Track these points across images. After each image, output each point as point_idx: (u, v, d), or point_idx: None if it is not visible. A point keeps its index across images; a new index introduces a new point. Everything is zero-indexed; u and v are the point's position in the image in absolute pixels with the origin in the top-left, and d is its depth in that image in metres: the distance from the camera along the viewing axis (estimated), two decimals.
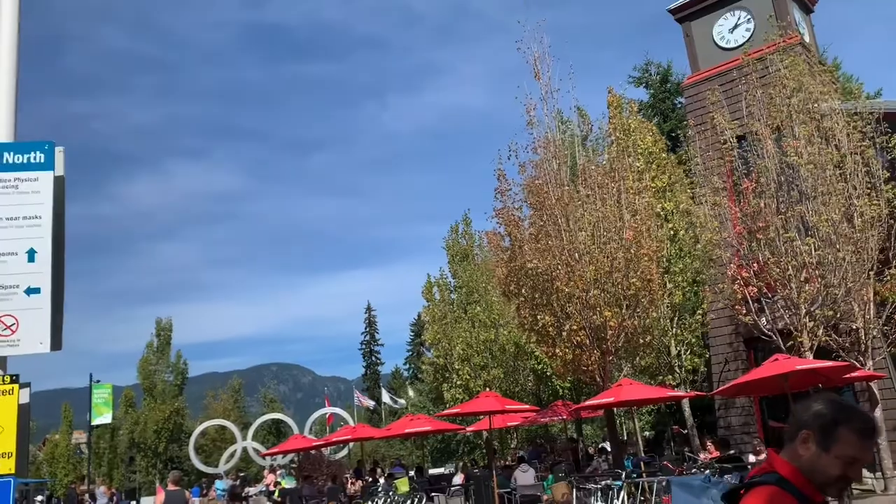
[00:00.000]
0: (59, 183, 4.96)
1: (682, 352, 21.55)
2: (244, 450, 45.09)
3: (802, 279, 14.67)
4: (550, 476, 17.41)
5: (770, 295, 15.51)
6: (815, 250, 14.61)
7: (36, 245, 4.67)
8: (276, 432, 58.29)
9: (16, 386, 4.44)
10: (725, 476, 11.34)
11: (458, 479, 22.05)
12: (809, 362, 13.20)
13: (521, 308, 18.11)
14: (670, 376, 21.45)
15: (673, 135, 34.09)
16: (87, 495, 35.30)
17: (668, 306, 20.51)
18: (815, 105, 15.73)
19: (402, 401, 53.09)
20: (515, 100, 18.00)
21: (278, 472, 31.04)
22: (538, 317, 17.11)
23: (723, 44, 22.48)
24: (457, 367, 30.37)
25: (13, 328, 4.47)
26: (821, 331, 14.91)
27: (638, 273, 16.41)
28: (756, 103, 15.96)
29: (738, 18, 22.33)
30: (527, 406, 20.94)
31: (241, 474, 38.46)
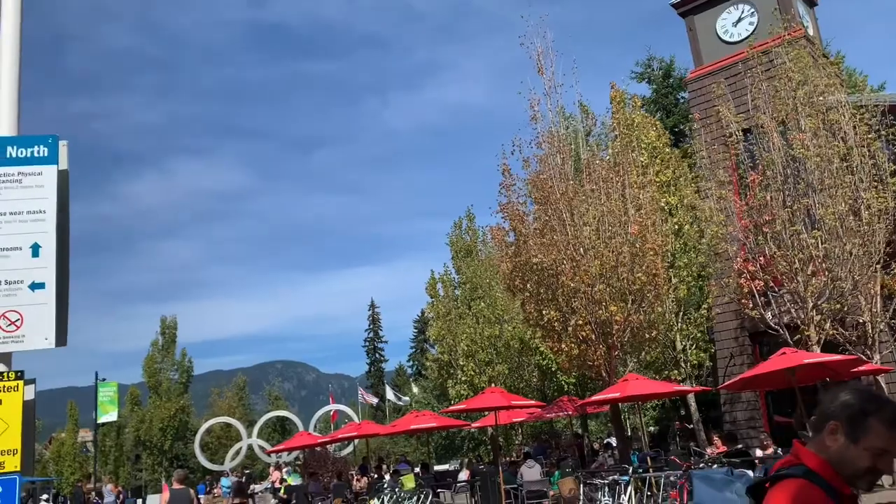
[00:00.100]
0: (62, 177, 4.91)
1: (688, 346, 21.48)
2: (249, 447, 45.14)
3: (809, 273, 14.58)
4: (557, 472, 17.35)
5: (776, 289, 15.41)
6: (822, 243, 14.52)
7: (40, 240, 4.62)
8: (281, 430, 58.36)
9: (21, 382, 4.40)
10: (738, 469, 11.14)
11: (464, 475, 22.04)
12: (817, 356, 13.12)
13: (527, 303, 18.04)
14: (675, 371, 21.39)
15: (676, 130, 34.00)
16: (93, 493, 35.38)
17: (673, 301, 20.43)
18: (821, 98, 15.63)
19: (406, 398, 53.06)
20: (519, 95, 17.92)
21: (284, 470, 31.03)
22: (543, 312, 17.03)
23: (726, 38, 22.35)
24: (461, 363, 30.32)
25: (18, 324, 4.43)
26: (828, 324, 14.82)
27: (643, 268, 16.33)
28: (761, 96, 15.85)
29: (742, 12, 22.20)
30: (532, 402, 20.86)
31: (247, 471, 38.57)
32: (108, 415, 41.09)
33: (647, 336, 17.51)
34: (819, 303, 14.70)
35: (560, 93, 17.83)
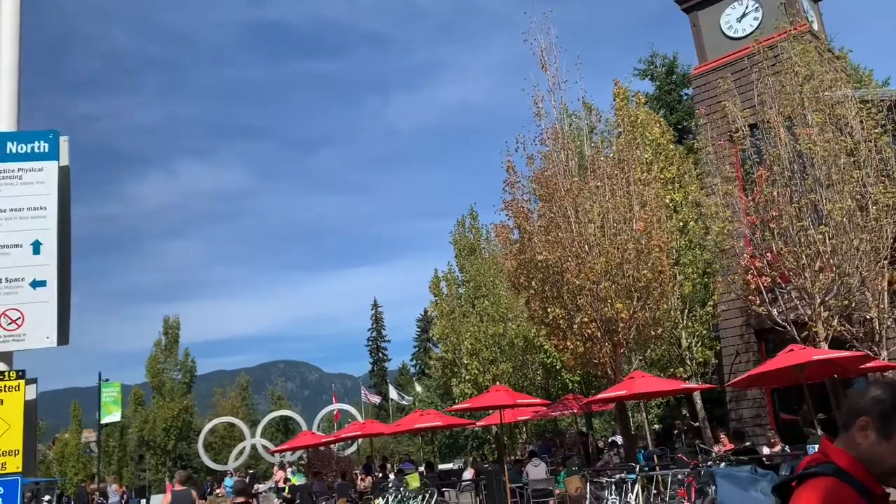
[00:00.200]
0: (64, 173, 4.83)
1: (693, 344, 21.37)
2: (253, 447, 45.13)
3: (817, 268, 14.47)
4: (564, 471, 17.27)
5: (783, 285, 15.31)
6: (829, 239, 14.41)
7: (41, 237, 4.54)
8: (284, 429, 58.38)
9: (22, 382, 4.31)
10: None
11: (468, 474, 21.93)
12: (826, 352, 13.01)
13: (531, 301, 17.95)
14: (681, 368, 21.28)
15: (679, 127, 33.86)
16: (96, 493, 35.36)
17: (678, 298, 20.33)
18: (827, 93, 15.52)
19: (409, 397, 53.02)
20: (522, 91, 17.83)
21: (289, 470, 30.99)
22: (549, 309, 16.94)
23: (731, 33, 22.24)
24: (465, 361, 30.24)
25: (19, 322, 4.35)
26: (836, 321, 14.71)
27: (649, 265, 16.23)
28: (767, 91, 15.73)
29: (746, 7, 22.08)
30: (537, 400, 20.78)
31: (251, 471, 38.53)
32: (112, 415, 41.11)
33: (653, 333, 17.41)
34: (827, 299, 14.60)
35: (564, 89, 17.75)
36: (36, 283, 4.43)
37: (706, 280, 21.81)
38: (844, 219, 14.18)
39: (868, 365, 13.85)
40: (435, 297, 34.14)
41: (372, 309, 79.88)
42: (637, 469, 13.43)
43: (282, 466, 31.98)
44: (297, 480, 25.81)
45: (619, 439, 23.78)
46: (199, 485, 37.66)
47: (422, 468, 23.66)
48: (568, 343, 16.81)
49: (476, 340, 29.97)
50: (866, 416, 2.21)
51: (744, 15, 22.08)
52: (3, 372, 4.27)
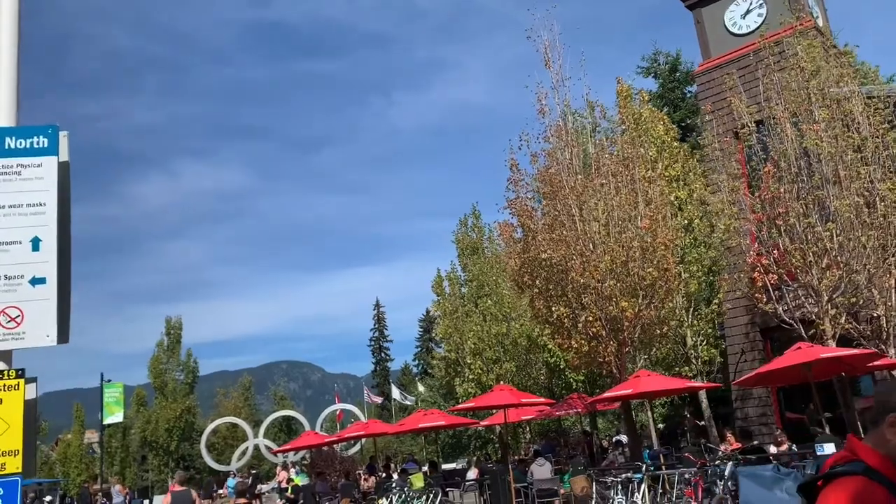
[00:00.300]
0: (63, 168, 4.74)
1: (698, 343, 21.27)
2: (256, 447, 45.09)
3: (824, 266, 14.35)
4: (570, 470, 17.16)
5: (790, 282, 15.19)
6: (836, 236, 14.29)
7: (40, 233, 4.45)
8: (287, 429, 58.34)
9: (22, 381, 4.23)
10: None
11: (472, 473, 21.87)
12: (834, 350, 12.88)
13: (535, 300, 17.85)
14: (686, 367, 21.18)
15: (683, 125, 33.74)
16: (99, 494, 35.31)
17: (683, 297, 20.22)
18: (834, 89, 15.40)
19: (412, 397, 52.93)
20: (526, 88, 17.73)
21: (293, 470, 30.93)
22: (553, 308, 16.84)
23: (735, 30, 22.13)
24: (469, 361, 30.17)
25: (18, 320, 4.26)
26: (843, 318, 14.59)
27: (654, 262, 16.13)
28: (773, 87, 15.61)
29: (751, 3, 21.97)
30: (542, 399, 20.68)
31: (253, 471, 38.49)
32: (114, 416, 41.10)
33: (658, 332, 17.31)
34: (834, 296, 14.48)
35: (568, 86, 17.64)
36: (35, 281, 4.35)
37: (711, 278, 21.71)
38: (852, 215, 14.05)
39: (876, 363, 13.72)
40: (438, 296, 34.07)
41: (374, 309, 79.89)
42: (643, 468, 13.31)
43: (285, 467, 31.94)
44: (301, 481, 25.73)
45: (623, 438, 23.68)
46: (208, 484, 37.59)
47: (425, 468, 23.59)
48: (572, 342, 16.71)
49: (479, 340, 29.89)
50: None
51: (748, 11, 21.97)
52: (3, 371, 4.18)
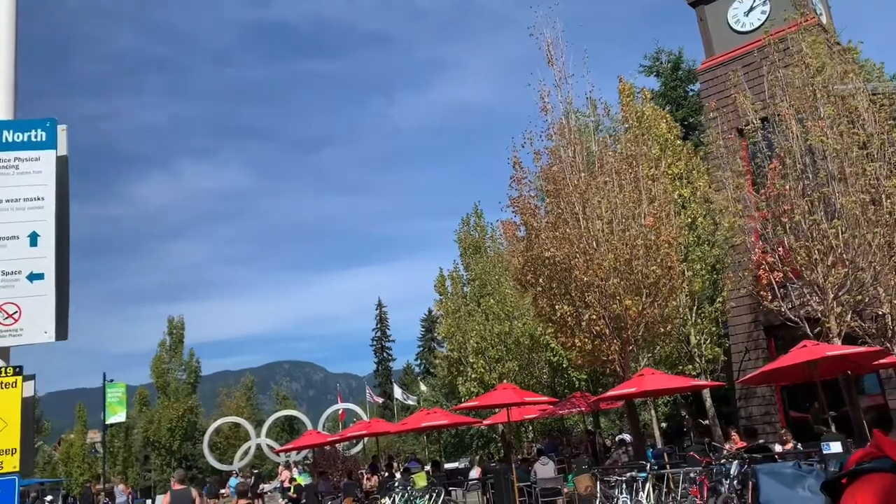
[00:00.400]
0: (61, 162, 4.66)
1: (702, 341, 21.17)
2: (258, 447, 45.04)
3: (829, 263, 14.25)
4: (574, 470, 17.07)
5: (795, 280, 15.09)
6: (842, 233, 14.18)
7: (38, 228, 4.37)
8: (289, 429, 58.31)
9: (19, 378, 4.15)
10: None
11: (475, 472, 21.76)
12: (840, 348, 12.78)
13: (539, 298, 17.74)
14: (690, 366, 21.08)
15: (686, 123, 33.61)
16: (102, 494, 35.28)
17: (686, 295, 20.12)
18: (838, 85, 15.29)
19: (414, 397, 52.86)
20: (529, 87, 17.61)
21: (295, 469, 30.87)
22: (556, 307, 16.74)
23: (738, 27, 22.05)
24: (471, 360, 30.08)
25: (16, 316, 4.18)
26: (849, 316, 14.48)
27: (658, 260, 16.02)
28: (778, 84, 15.51)
29: (754, 0, 21.88)
30: (545, 398, 20.57)
31: (256, 471, 38.44)
32: (117, 416, 41.02)
33: (662, 330, 17.20)
34: (840, 294, 14.38)
35: (571, 84, 17.53)
36: (33, 276, 4.27)
37: (715, 276, 21.60)
38: (857, 212, 13.94)
39: (882, 361, 13.63)
40: (440, 295, 33.98)
41: (376, 309, 79.86)
42: (648, 467, 13.21)
43: (287, 466, 31.88)
44: (303, 480, 25.67)
45: (627, 437, 23.59)
46: (213, 483, 37.51)
47: (428, 467, 23.50)
48: (576, 340, 16.61)
49: (482, 339, 29.80)
50: None
51: (751, 8, 21.87)
52: (0, 368, 4.11)
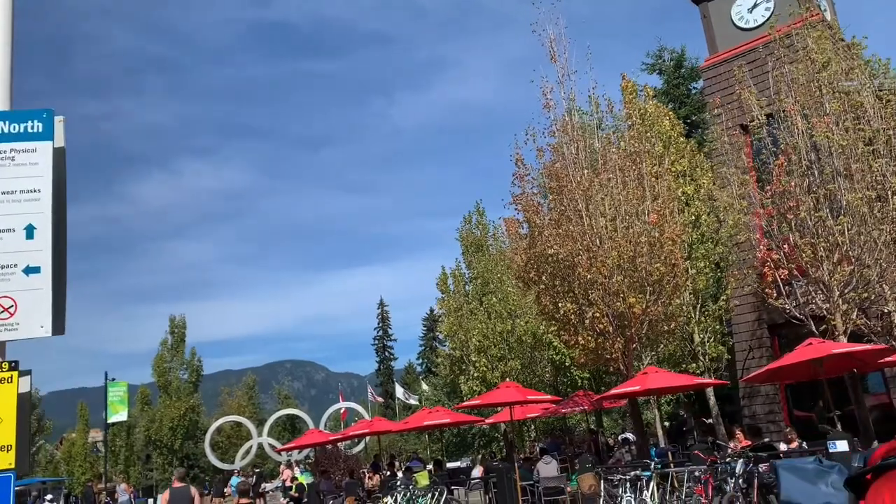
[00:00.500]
0: (58, 154, 4.57)
1: (706, 339, 21.06)
2: (260, 446, 45.00)
3: (835, 260, 14.13)
4: (577, 469, 16.96)
5: (800, 278, 14.98)
6: (848, 230, 14.07)
7: (35, 221, 4.29)
8: (291, 428, 58.33)
9: (15, 373, 4.06)
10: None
11: (477, 471, 21.68)
12: (846, 346, 12.67)
13: (542, 296, 17.63)
14: (693, 364, 20.97)
15: (688, 121, 33.48)
16: (103, 493, 35.26)
17: (690, 293, 20.01)
18: (843, 81, 15.18)
19: (416, 396, 52.79)
20: (531, 83, 17.48)
21: (296, 468, 30.80)
22: (559, 304, 16.63)
23: (741, 24, 21.94)
24: (473, 359, 29.98)
25: (11, 311, 4.09)
26: (854, 314, 14.37)
27: (661, 258, 15.91)
28: (783, 79, 15.40)
29: None
30: (548, 396, 20.48)
31: (257, 470, 38.39)
32: (118, 415, 41.03)
33: (666, 328, 17.09)
34: (846, 291, 14.27)
35: (574, 80, 17.41)
36: (29, 270, 4.19)
37: (719, 274, 21.49)
38: (866, 208, 13.83)
39: (888, 359, 13.53)
40: (442, 293, 33.88)
41: (378, 308, 79.87)
42: (652, 466, 13.10)
43: (289, 465, 31.79)
44: (305, 479, 25.60)
45: (630, 436, 23.48)
46: (218, 483, 37.46)
47: (430, 466, 23.44)
48: (579, 338, 16.49)
49: (484, 337, 29.70)
50: None
51: (755, 5, 21.75)
52: None
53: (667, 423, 28.52)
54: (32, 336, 4.11)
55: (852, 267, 14.06)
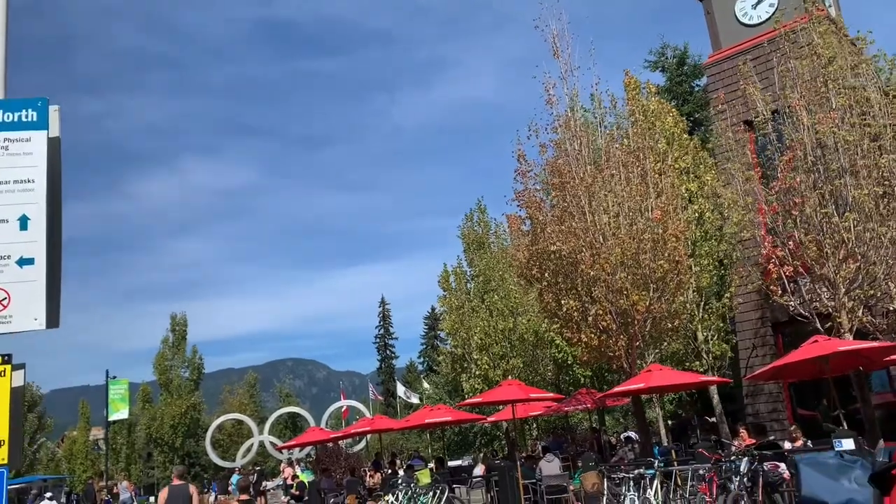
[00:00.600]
0: (53, 144, 4.47)
1: (709, 337, 20.95)
2: (261, 444, 44.93)
3: (841, 257, 14.01)
4: (580, 468, 16.87)
5: (805, 275, 14.86)
6: (854, 227, 13.94)
7: (29, 211, 4.19)
8: (292, 426, 58.28)
9: (8, 367, 3.97)
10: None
11: (479, 470, 21.58)
12: (852, 343, 12.55)
13: (544, 293, 17.53)
14: (697, 362, 20.86)
15: (691, 118, 33.33)
16: (104, 491, 35.21)
17: (694, 291, 19.89)
18: (849, 76, 15.06)
19: (417, 394, 52.68)
20: (534, 79, 17.39)
21: (297, 466, 30.73)
22: (562, 301, 16.52)
23: (745, 20, 21.80)
24: (475, 356, 29.87)
25: (4, 303, 4.00)
26: (860, 311, 14.25)
27: (665, 255, 15.80)
28: (788, 75, 15.26)
29: None
30: (550, 394, 20.37)
31: (258, 468, 38.31)
32: (120, 412, 41.02)
33: (669, 326, 16.97)
34: (851, 289, 14.14)
35: (577, 76, 17.30)
36: (23, 261, 4.09)
37: (722, 272, 21.38)
38: (872, 205, 13.71)
39: (894, 357, 13.41)
40: (444, 291, 33.78)
41: (379, 306, 79.72)
42: (656, 464, 12.99)
43: (290, 463, 31.73)
44: (306, 477, 25.52)
45: (633, 434, 23.38)
46: (222, 479, 37.40)
47: (431, 464, 23.33)
48: (582, 336, 16.39)
49: (486, 335, 29.59)
50: None
51: (759, 1, 21.61)
52: None
53: (670, 422, 28.42)
54: (26, 329, 4.02)
55: (858, 264, 13.92)
